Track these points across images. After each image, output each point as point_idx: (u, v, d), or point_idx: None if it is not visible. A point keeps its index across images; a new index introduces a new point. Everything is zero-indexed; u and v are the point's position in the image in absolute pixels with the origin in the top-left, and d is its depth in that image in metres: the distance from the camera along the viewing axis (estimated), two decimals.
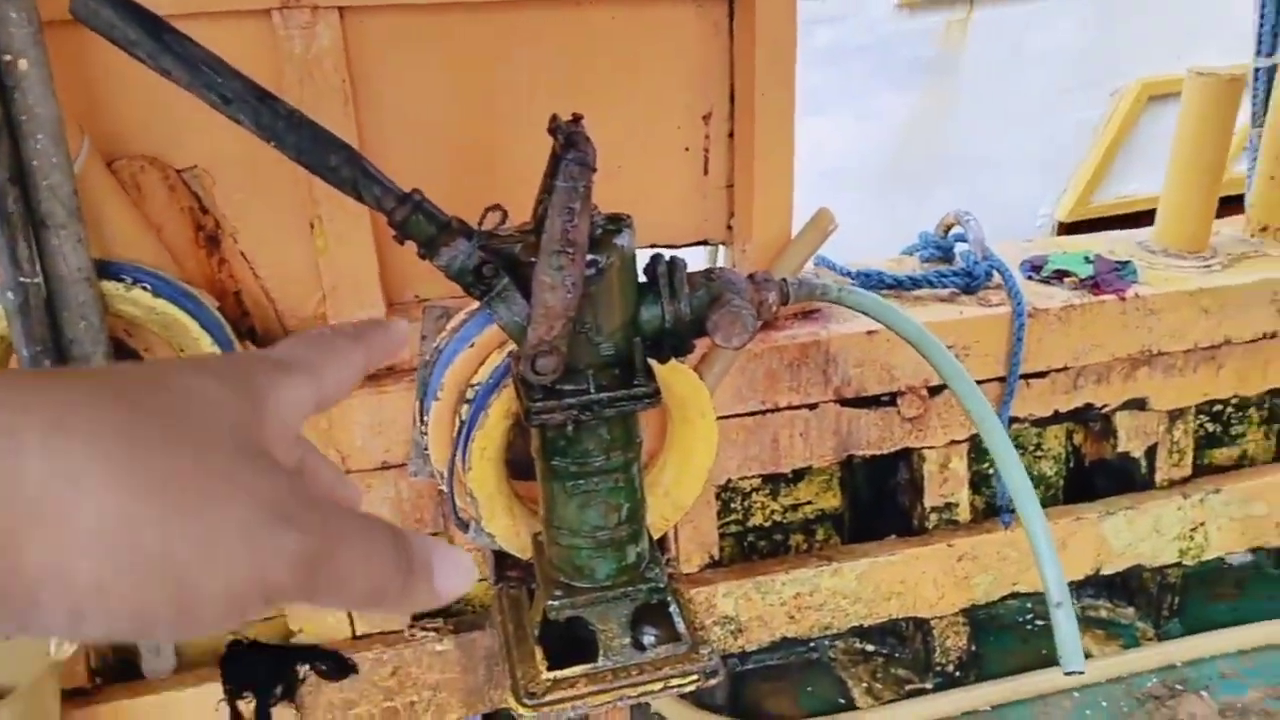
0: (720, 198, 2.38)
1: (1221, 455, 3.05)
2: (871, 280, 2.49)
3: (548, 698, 1.65)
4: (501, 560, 1.98)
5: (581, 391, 1.54)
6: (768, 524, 2.79)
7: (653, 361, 1.62)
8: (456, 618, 2.43)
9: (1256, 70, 2.69)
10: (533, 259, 1.45)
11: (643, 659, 1.70)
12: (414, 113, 2.12)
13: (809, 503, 2.82)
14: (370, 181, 1.38)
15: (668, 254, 1.60)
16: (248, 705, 2.30)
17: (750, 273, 1.63)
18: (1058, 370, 2.52)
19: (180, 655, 2.30)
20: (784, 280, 1.64)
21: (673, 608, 1.80)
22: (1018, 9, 5.00)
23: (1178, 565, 2.79)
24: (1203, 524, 2.76)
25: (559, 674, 1.68)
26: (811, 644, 2.88)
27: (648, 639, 1.76)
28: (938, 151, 5.18)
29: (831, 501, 2.83)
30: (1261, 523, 2.80)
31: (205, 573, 0.42)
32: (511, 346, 1.77)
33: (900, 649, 2.86)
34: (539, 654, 1.73)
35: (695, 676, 1.68)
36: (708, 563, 2.53)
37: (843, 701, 2.77)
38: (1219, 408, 2.97)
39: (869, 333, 2.35)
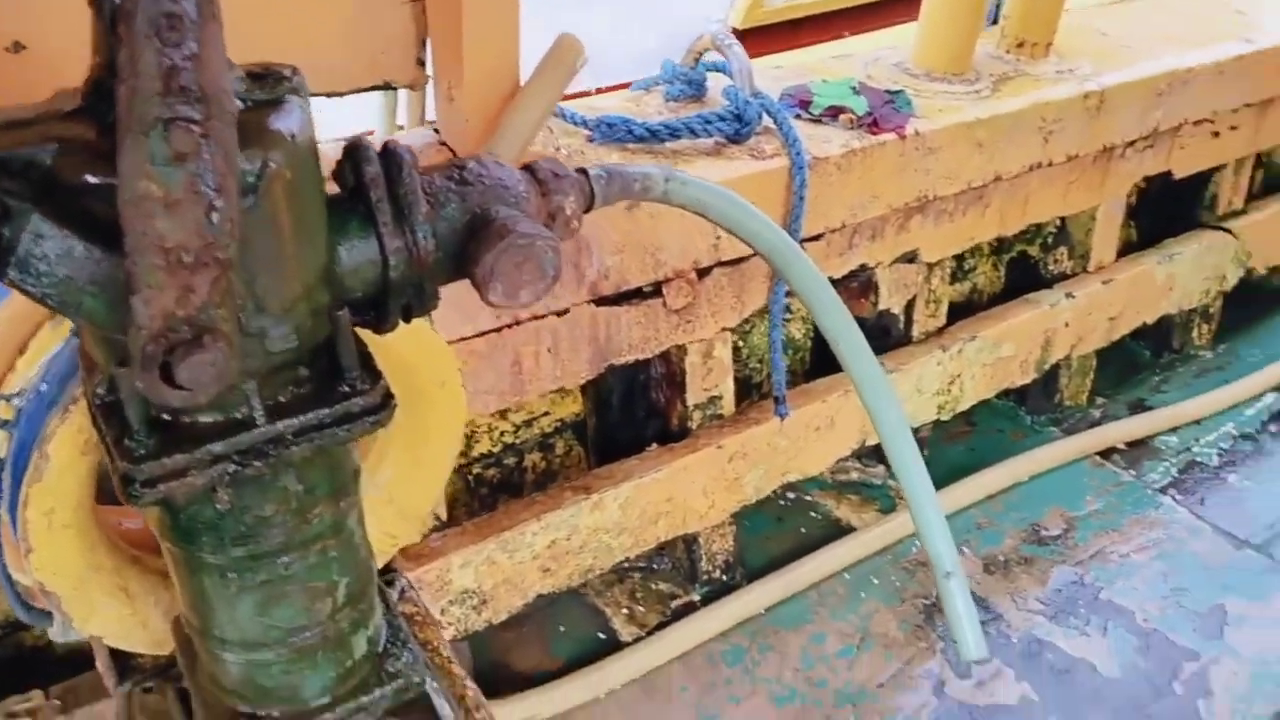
0: (403, 13, 1.57)
1: (955, 292, 2.86)
2: (617, 130, 1.84)
3: None
4: (124, 652, 1.20)
5: (238, 423, 0.80)
6: (497, 449, 2.19)
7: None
8: (63, 683, 1.61)
9: None
10: (95, 173, 0.66)
11: None
12: None
13: (545, 414, 2.23)
14: None
15: (375, 140, 0.85)
16: None
17: (527, 163, 0.93)
18: (834, 230, 2.09)
19: None
20: (583, 172, 0.96)
21: (430, 683, 1.16)
22: None
23: (935, 422, 2.59)
24: (959, 376, 2.56)
25: None
26: None
27: None
28: None
29: (571, 408, 2.27)
30: (1007, 365, 2.66)
31: None
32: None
33: (659, 561, 2.45)
34: None
35: None
36: (433, 526, 1.89)
37: (602, 636, 2.32)
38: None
39: (629, 206, 1.73)
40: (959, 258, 2.82)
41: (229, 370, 0.69)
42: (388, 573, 1.34)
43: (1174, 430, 3.00)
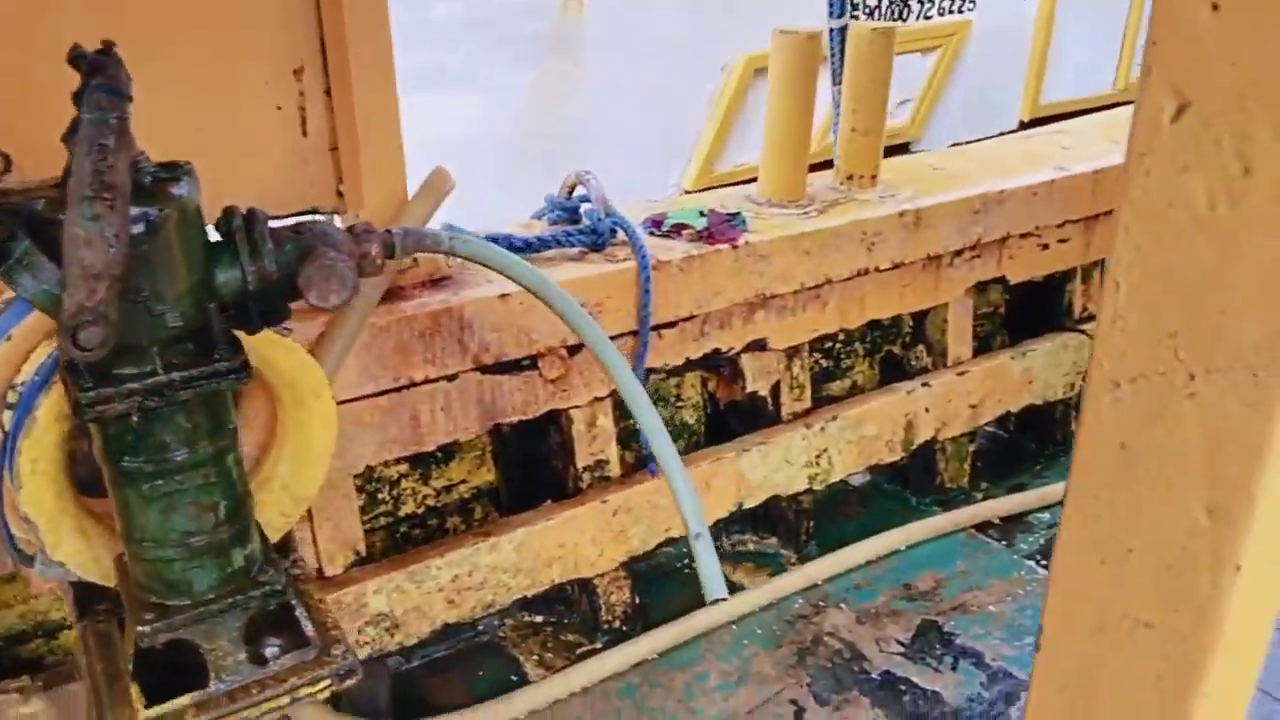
0: (325, 161, 2.17)
1: (836, 387, 3.34)
2: (500, 244, 2.40)
3: None
4: (86, 593, 1.66)
5: (146, 373, 1.30)
6: (421, 510, 2.64)
7: (247, 337, 1.41)
8: (46, 670, 2.04)
9: (830, 31, 2.94)
10: (61, 215, 1.19)
11: (263, 673, 1.50)
12: None
13: (462, 481, 2.70)
14: None
15: (244, 207, 1.40)
16: None
17: (349, 225, 1.47)
18: (685, 319, 2.60)
19: None
20: (388, 231, 1.50)
21: (298, 610, 1.61)
22: None
23: (809, 491, 3.01)
24: (825, 450, 3.00)
25: (159, 710, 1.43)
26: (480, 627, 2.77)
27: (270, 650, 1.56)
28: (564, 127, 5.23)
29: (485, 477, 2.73)
30: (873, 443, 3.10)
31: None
32: None
33: (568, 614, 2.84)
34: (134, 691, 1.46)
35: (327, 680, 1.50)
36: (354, 560, 2.33)
37: (515, 679, 2.69)
38: (829, 344, 3.25)
39: (502, 296, 2.27)
40: (835, 356, 3.32)
41: (111, 341, 1.20)
42: (283, 546, 1.79)
43: (1046, 508, 3.39)
